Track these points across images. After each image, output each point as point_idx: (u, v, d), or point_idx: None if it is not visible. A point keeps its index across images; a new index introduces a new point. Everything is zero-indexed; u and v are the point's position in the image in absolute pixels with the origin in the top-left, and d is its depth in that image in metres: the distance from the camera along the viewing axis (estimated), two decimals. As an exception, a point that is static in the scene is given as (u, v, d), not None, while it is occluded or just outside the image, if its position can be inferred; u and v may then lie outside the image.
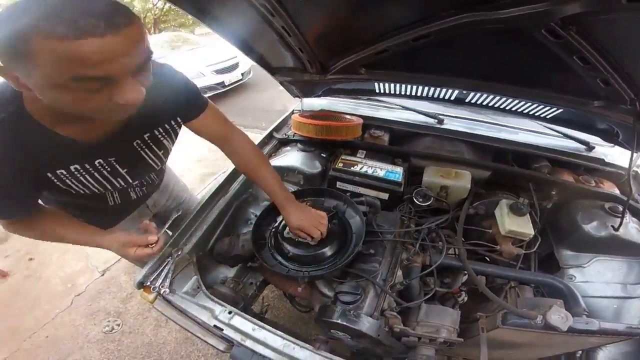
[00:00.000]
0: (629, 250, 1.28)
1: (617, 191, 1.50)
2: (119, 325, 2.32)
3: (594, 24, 0.89)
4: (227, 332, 1.03)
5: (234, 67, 6.37)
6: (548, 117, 1.54)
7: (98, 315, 2.39)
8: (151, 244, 1.02)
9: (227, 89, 6.26)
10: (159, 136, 1.03)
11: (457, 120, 1.84)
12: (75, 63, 0.58)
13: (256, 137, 1.74)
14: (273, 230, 1.31)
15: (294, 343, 1.00)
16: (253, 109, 5.82)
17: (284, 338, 1.01)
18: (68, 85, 0.61)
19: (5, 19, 0.57)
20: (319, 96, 1.83)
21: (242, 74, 6.54)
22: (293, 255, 1.21)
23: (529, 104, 1.46)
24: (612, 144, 1.59)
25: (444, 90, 1.57)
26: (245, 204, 1.56)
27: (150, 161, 1.06)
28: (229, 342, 1.04)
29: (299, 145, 1.72)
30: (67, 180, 0.90)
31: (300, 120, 1.63)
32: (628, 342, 1.10)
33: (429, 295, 1.20)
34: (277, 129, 1.86)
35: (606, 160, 1.61)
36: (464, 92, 1.56)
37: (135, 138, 0.98)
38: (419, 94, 1.65)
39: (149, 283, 1.14)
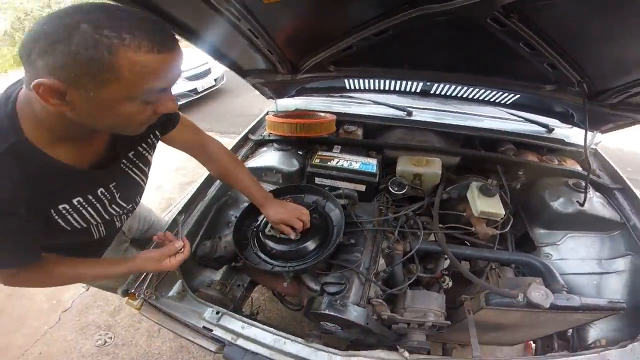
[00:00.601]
0: (597, 225, 1.35)
1: (579, 168, 1.59)
2: (111, 338, 2.27)
3: (535, 11, 0.95)
4: (217, 332, 1.03)
5: (206, 73, 6.19)
6: (508, 103, 1.63)
7: (88, 329, 2.33)
8: (180, 250, 1.04)
9: (200, 95, 6.10)
10: (143, 152, 1.00)
11: (425, 112, 1.92)
12: (151, 75, 0.63)
13: (233, 142, 1.74)
14: (255, 229, 1.32)
15: (285, 337, 1.01)
16: (229, 114, 5.76)
17: (274, 334, 1.02)
18: (136, 97, 0.65)
19: (72, 36, 0.55)
20: (292, 96, 1.85)
21: (215, 80, 6.38)
22: (276, 252, 1.22)
23: (488, 91, 1.55)
24: (570, 125, 1.68)
25: (409, 83, 1.64)
26: (225, 206, 1.57)
27: (138, 179, 1.03)
28: (220, 342, 1.04)
29: (275, 145, 1.74)
30: (68, 216, 0.83)
31: (275, 120, 1.65)
32: (617, 317, 1.12)
33: (411, 280, 1.21)
34: (253, 130, 1.88)
35: (567, 140, 1.72)
36: (428, 84, 1.63)
37: (122, 158, 0.94)
38: (386, 88, 1.71)
39: (133, 290, 1.13)
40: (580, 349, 1.16)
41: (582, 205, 1.33)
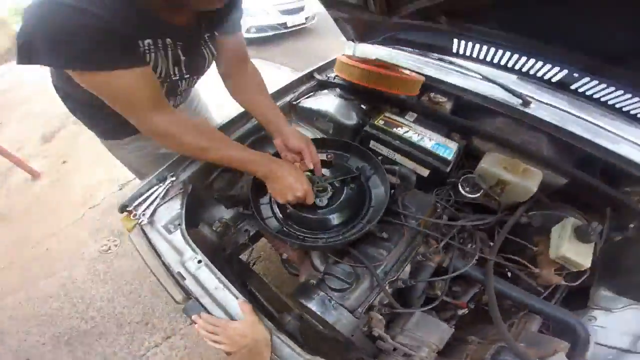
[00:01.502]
0: None
1: None
2: (116, 246, 2.37)
3: None
4: (189, 282, 0.92)
5: (299, 9, 6.20)
6: None
7: (102, 232, 2.46)
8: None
9: (288, 30, 6.13)
10: (215, 38, 1.09)
11: (548, 108, 1.43)
12: None
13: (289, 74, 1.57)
14: None
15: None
16: (309, 54, 5.59)
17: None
18: None
19: None
20: (378, 43, 1.55)
21: (306, 19, 6.35)
22: (292, 213, 1.03)
23: None
24: None
25: (548, 66, 1.21)
26: (260, 141, 1.39)
27: (205, 58, 1.09)
28: (187, 294, 0.92)
29: (338, 90, 1.50)
30: (147, 54, 0.90)
31: (345, 62, 1.38)
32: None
33: (430, 306, 1.01)
34: (320, 70, 1.63)
35: None
36: (575, 74, 1.19)
37: (201, 36, 1.03)
38: (511, 65, 1.30)
39: (131, 208, 1.06)
40: None
41: None
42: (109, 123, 1.16)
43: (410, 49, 1.67)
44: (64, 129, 3.55)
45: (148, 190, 1.10)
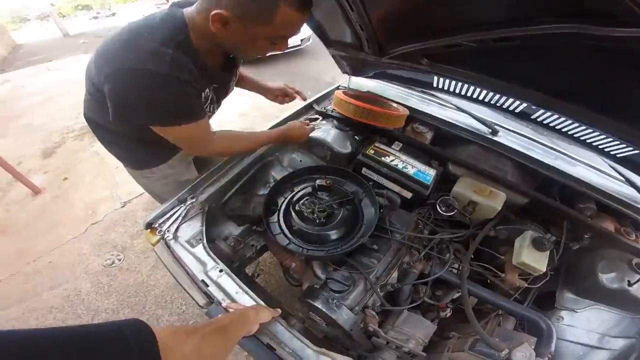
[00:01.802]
0: (629, 306, 1.21)
1: None
2: (120, 260, 2.39)
3: None
4: (212, 289, 1.04)
5: None
6: (618, 155, 1.35)
7: (105, 247, 2.47)
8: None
9: (282, 52, 6.10)
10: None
11: (513, 135, 1.66)
12: (290, 27, 0.92)
13: (295, 103, 1.70)
14: (287, 199, 1.30)
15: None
16: (303, 75, 5.78)
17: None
18: (272, 38, 0.94)
19: None
20: (369, 77, 1.72)
21: (301, 40, 6.40)
22: (298, 229, 1.20)
23: (603, 136, 1.28)
24: None
25: (510, 100, 1.42)
26: (268, 165, 1.55)
27: (230, 90, 1.32)
28: (210, 299, 1.05)
29: (335, 122, 1.66)
30: (205, 101, 1.11)
31: (342, 98, 1.55)
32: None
33: (414, 305, 1.18)
34: (319, 101, 1.81)
35: None
36: (533, 107, 1.38)
37: (232, 75, 1.26)
38: (480, 97, 1.50)
39: (156, 225, 1.18)
40: None
41: (630, 285, 1.17)
42: (141, 154, 1.30)
43: (397, 83, 1.86)
44: (64, 144, 3.56)
45: (171, 210, 1.23)
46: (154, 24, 0.94)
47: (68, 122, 3.91)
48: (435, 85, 1.58)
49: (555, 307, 1.26)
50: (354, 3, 1.10)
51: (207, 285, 1.05)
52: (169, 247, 1.15)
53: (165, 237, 1.15)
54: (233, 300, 1.01)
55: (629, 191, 1.46)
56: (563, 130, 1.42)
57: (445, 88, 1.57)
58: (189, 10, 0.96)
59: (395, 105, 1.71)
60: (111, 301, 2.19)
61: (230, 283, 1.05)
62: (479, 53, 1.11)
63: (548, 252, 1.20)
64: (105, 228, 2.62)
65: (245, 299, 1.02)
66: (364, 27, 1.23)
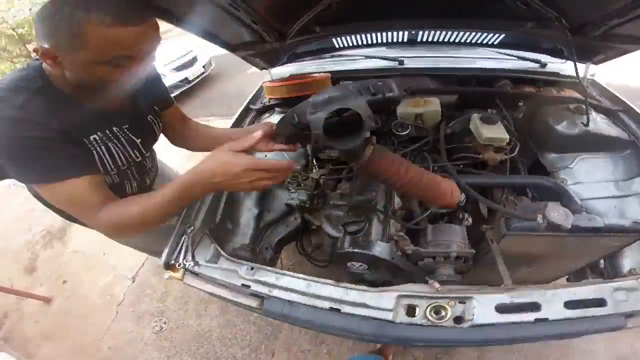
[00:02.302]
0: (606, 144, 1.30)
1: (577, 95, 1.52)
2: (165, 323, 2.33)
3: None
4: (255, 287, 1.02)
5: (193, 61, 6.00)
6: (496, 42, 1.58)
7: (144, 318, 2.39)
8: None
9: (192, 84, 5.96)
10: (158, 114, 1.19)
11: (418, 60, 1.86)
12: (116, 45, 0.74)
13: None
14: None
15: (315, 282, 1.00)
16: (226, 97, 5.59)
17: (305, 279, 1.01)
18: (107, 61, 0.76)
19: (57, 12, 0.71)
20: (284, 63, 1.80)
21: (204, 66, 6.20)
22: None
23: (473, 33, 1.51)
24: (563, 60, 1.65)
25: (394, 33, 1.60)
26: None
27: (156, 134, 1.19)
28: (259, 297, 1.03)
29: (276, 109, 1.71)
30: (98, 148, 0.94)
31: (272, 85, 1.61)
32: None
33: (428, 212, 1.15)
34: (253, 101, 1.84)
35: (561, 73, 1.68)
36: (412, 32, 1.59)
37: (145, 116, 1.12)
38: (374, 41, 1.67)
39: (173, 261, 1.14)
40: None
41: (586, 125, 1.27)
42: None
43: (310, 58, 1.97)
44: (39, 257, 3.20)
45: (178, 244, 1.19)
46: (10, 75, 0.85)
47: (26, 236, 3.45)
48: (337, 45, 1.73)
49: (550, 171, 1.30)
50: (236, 3, 1.10)
51: (249, 287, 1.03)
52: (196, 274, 1.13)
53: (187, 266, 1.12)
54: (278, 288, 1.01)
55: (524, 64, 1.76)
56: (446, 41, 1.64)
57: (345, 44, 1.73)
58: None
59: (317, 74, 1.81)
60: (186, 359, 2.15)
61: (266, 274, 1.04)
62: (351, 5, 1.25)
63: (500, 123, 1.27)
64: (132, 303, 2.54)
65: (289, 279, 1.02)
66: (256, 22, 1.27)
